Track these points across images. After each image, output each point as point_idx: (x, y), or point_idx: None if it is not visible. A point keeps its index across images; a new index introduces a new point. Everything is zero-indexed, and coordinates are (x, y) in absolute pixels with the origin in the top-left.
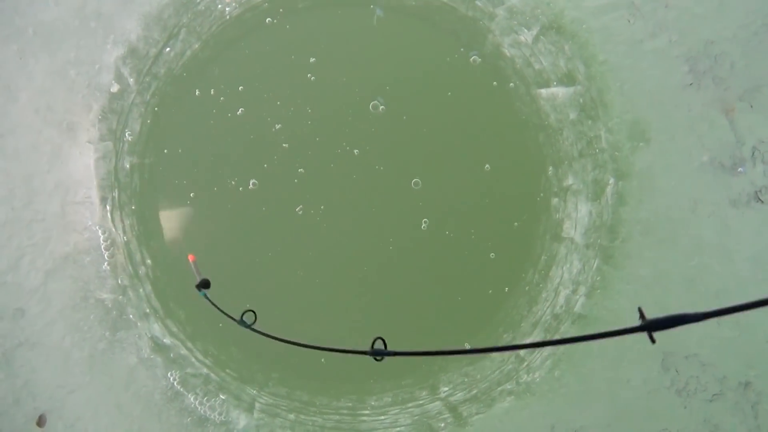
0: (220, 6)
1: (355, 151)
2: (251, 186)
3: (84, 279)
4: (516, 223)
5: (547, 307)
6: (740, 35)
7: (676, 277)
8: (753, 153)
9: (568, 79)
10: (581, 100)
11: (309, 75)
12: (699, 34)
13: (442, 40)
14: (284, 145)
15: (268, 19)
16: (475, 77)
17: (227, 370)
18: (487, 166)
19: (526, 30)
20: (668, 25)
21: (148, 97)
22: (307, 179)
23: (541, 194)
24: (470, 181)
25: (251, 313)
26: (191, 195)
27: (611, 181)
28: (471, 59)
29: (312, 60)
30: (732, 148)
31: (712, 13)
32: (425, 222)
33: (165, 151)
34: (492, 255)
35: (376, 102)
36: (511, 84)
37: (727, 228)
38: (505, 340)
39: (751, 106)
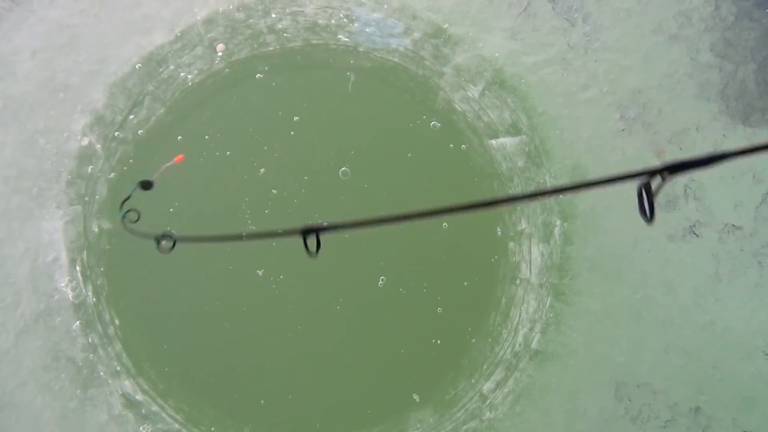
0: (182, 74)
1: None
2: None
3: (54, 339)
4: (465, 283)
5: (508, 347)
6: (665, 84)
7: (624, 310)
8: (685, 191)
9: (514, 130)
10: (527, 149)
11: (292, 131)
12: (627, 84)
13: (401, 102)
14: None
15: (258, 75)
16: (435, 140)
17: (201, 427)
18: (444, 224)
19: (472, 86)
20: (599, 77)
21: (115, 162)
22: (276, 249)
23: (497, 253)
24: (430, 239)
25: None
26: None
27: (558, 222)
28: (431, 124)
29: (281, 126)
30: (665, 186)
31: (638, 64)
32: (382, 279)
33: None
34: (439, 310)
35: (345, 168)
36: (464, 146)
37: (668, 261)
38: (464, 388)
39: (680, 148)
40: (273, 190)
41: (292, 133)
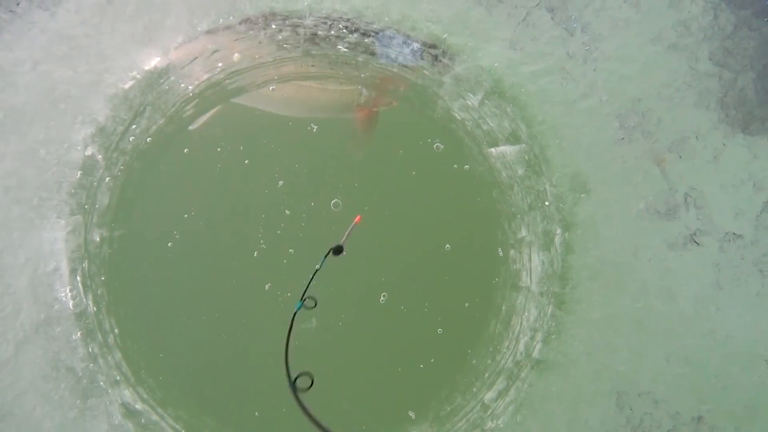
0: (183, 84)
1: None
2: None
3: (54, 349)
4: (467, 304)
5: (509, 356)
6: (664, 93)
7: (625, 319)
8: (686, 199)
9: (513, 138)
10: (526, 157)
11: (298, 146)
12: (627, 93)
13: (401, 113)
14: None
15: (271, 87)
16: (438, 161)
17: None
18: (447, 245)
19: (472, 95)
20: (598, 86)
21: (116, 171)
22: (293, 262)
23: (498, 275)
24: (432, 259)
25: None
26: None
27: (558, 231)
28: (435, 146)
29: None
30: (666, 195)
31: (637, 74)
32: (384, 296)
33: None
34: (439, 330)
35: (337, 200)
36: (467, 166)
37: (668, 270)
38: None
39: (680, 156)
40: (286, 211)
41: (299, 146)
